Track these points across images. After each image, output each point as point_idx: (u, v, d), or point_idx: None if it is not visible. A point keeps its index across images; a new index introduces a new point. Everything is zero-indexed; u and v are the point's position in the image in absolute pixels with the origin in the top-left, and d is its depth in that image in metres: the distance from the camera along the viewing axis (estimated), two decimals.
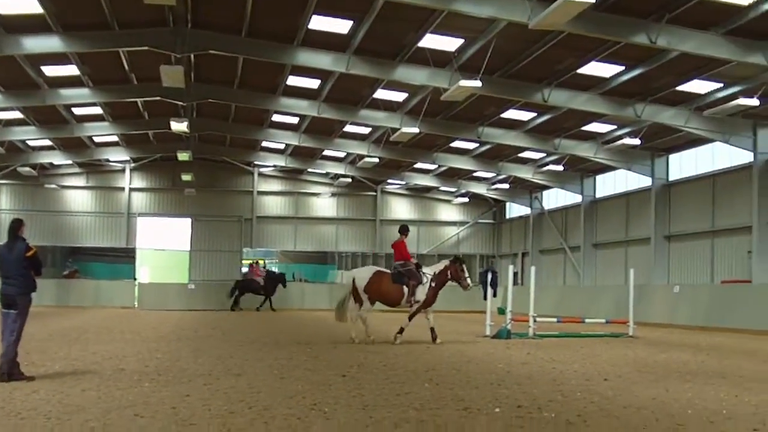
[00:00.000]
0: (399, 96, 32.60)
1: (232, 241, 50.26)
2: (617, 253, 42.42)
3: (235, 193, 52.14)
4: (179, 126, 33.64)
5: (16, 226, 11.21)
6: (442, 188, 52.26)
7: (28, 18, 24.49)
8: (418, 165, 46.86)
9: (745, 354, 16.41)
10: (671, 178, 37.67)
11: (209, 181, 50.77)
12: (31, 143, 43.40)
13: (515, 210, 54.28)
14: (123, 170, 50.55)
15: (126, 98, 34.40)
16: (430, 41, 25.27)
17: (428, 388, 10.26)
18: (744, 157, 32.20)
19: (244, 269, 46.03)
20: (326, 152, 45.68)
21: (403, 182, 51.66)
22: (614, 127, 34.66)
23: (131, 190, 50.75)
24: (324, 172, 50.94)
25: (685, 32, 22.29)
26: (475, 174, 47.87)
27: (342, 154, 46.12)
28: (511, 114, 33.81)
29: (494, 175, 46.85)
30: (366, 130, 39.32)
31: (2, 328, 10.94)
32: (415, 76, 28.14)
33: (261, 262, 43.35)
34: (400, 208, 54.64)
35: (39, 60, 28.63)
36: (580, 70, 27.02)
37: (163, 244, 51.12)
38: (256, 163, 50.55)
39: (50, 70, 30.06)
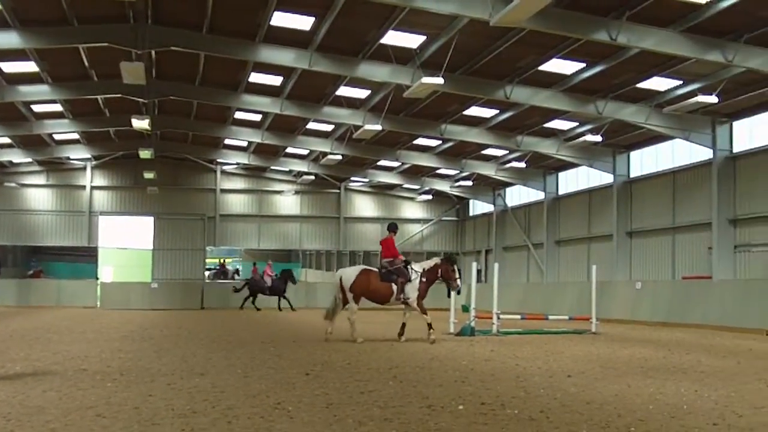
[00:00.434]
0: (362, 93, 32.59)
1: (195, 240, 50.04)
2: (580, 250, 42.72)
3: (198, 191, 51.86)
4: (141, 123, 33.39)
5: None
6: (406, 186, 52.32)
7: None
8: (382, 162, 46.89)
9: (705, 349, 16.57)
10: (632, 174, 37.98)
11: (172, 179, 50.47)
12: None
13: (478, 207, 54.48)
14: (84, 168, 50.09)
15: (86, 95, 34.08)
16: (393, 38, 25.27)
17: (392, 385, 10.25)
18: (703, 153, 32.55)
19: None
20: (289, 150, 45.55)
21: (367, 180, 51.65)
22: (576, 124, 34.89)
23: (93, 188, 50.30)
24: (287, 169, 50.81)
25: (644, 29, 22.47)
26: (438, 171, 47.97)
27: (305, 152, 46.03)
28: (474, 111, 33.92)
29: (457, 172, 47.00)
30: (329, 128, 39.27)
31: None
32: (377, 73, 28.14)
33: (228, 260, 43.15)
34: (364, 206, 54.64)
35: None
36: (542, 67, 27.16)
37: (126, 242, 50.72)
38: (218, 160, 50.30)
39: (8, 67, 29.73)
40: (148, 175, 46.98)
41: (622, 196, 38.06)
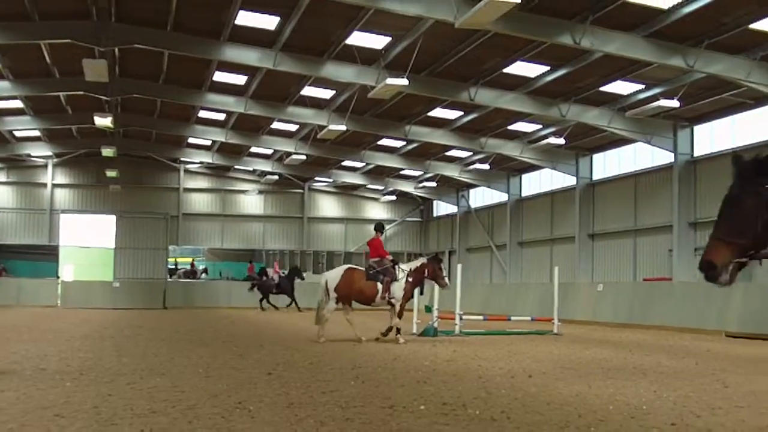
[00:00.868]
0: (326, 93, 32.58)
1: (157, 239, 49.53)
2: (542, 252, 42.97)
3: (161, 189, 51.58)
4: (103, 121, 33.14)
5: None
6: (370, 186, 52.35)
7: None
8: (346, 163, 46.88)
9: (664, 350, 16.72)
10: (595, 177, 38.28)
11: (135, 178, 50.14)
12: None
13: (442, 208, 54.63)
14: (45, 166, 49.64)
15: (48, 92, 33.80)
16: (358, 39, 25.30)
17: (354, 386, 10.25)
18: (665, 157, 32.87)
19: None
20: (253, 149, 45.43)
21: (331, 180, 51.63)
22: (539, 126, 35.10)
23: (54, 186, 49.88)
24: (251, 169, 50.67)
25: (608, 34, 22.67)
26: (402, 172, 48.05)
27: (269, 151, 45.92)
28: (438, 112, 34.02)
29: (421, 173, 47.09)
30: (293, 127, 39.22)
31: None
32: (342, 74, 28.14)
33: (181, 260, 42.87)
34: (328, 206, 54.61)
35: None
36: (506, 70, 27.31)
37: (87, 241, 50.20)
38: (182, 159, 50.07)
39: None
40: (111, 173, 46.61)
41: (585, 199, 38.34)
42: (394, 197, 53.96)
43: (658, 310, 25.46)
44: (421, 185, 50.25)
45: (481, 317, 23.92)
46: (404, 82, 25.85)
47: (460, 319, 20.79)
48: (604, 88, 28.67)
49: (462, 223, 51.24)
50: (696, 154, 31.77)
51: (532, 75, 27.88)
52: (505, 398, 9.26)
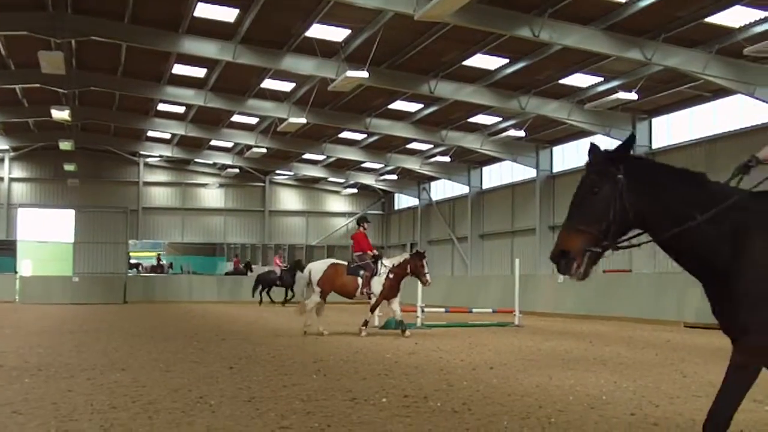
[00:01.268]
0: (286, 86, 32.48)
1: (117, 233, 49.13)
2: (504, 244, 43.17)
3: (121, 183, 51.17)
4: (60, 114, 32.78)
5: None
6: (331, 179, 52.30)
7: None
8: (307, 156, 46.78)
9: (624, 341, 16.88)
10: (555, 169, 38.52)
11: (93, 172, 49.66)
12: None
13: (404, 201, 54.69)
14: (2, 159, 49.06)
15: (3, 85, 33.36)
16: (318, 31, 25.24)
17: (316, 379, 10.25)
18: None
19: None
20: (213, 142, 45.20)
21: (292, 173, 51.50)
22: (499, 119, 35.24)
23: (11, 180, 49.30)
24: (211, 162, 50.42)
25: (566, 27, 22.80)
26: (363, 165, 48.04)
27: (230, 144, 45.70)
28: (399, 105, 34.04)
29: (382, 166, 47.10)
30: (254, 120, 39.06)
31: None
32: (302, 66, 28.08)
33: (142, 254, 42.58)
34: (289, 199, 54.49)
35: None
36: (466, 62, 27.37)
37: (46, 236, 49.73)
38: (141, 153, 49.68)
39: None
40: (69, 167, 46.15)
41: (545, 191, 38.57)
42: (355, 190, 53.95)
43: (618, 301, 25.69)
44: (382, 178, 50.26)
45: (442, 309, 24.01)
46: (364, 74, 25.83)
47: (422, 311, 20.84)
48: (563, 81, 28.83)
49: (423, 215, 51.34)
50: (654, 146, 32.07)
51: (492, 68, 27.97)
52: (466, 390, 9.31)
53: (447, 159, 41.62)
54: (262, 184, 53.40)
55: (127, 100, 37.27)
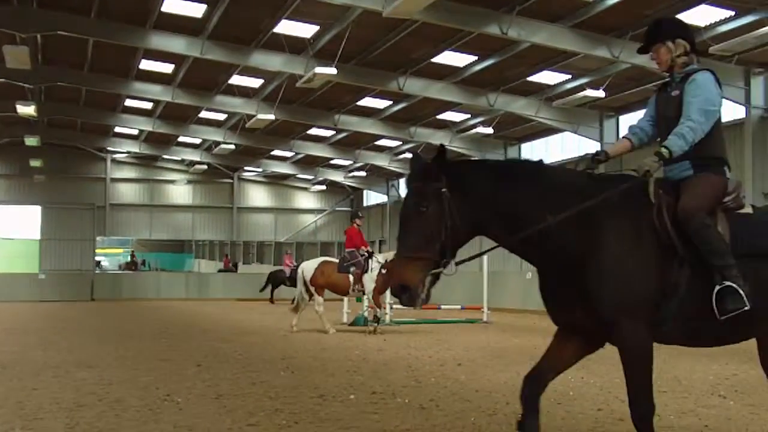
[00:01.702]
0: (255, 82, 32.36)
1: (84, 230, 48.74)
2: (472, 241, 43.14)
3: (88, 179, 50.74)
4: (26, 109, 32.46)
5: None
6: (300, 176, 52.19)
7: None
8: (275, 152, 46.64)
9: None
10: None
11: (60, 168, 49.22)
12: None
13: (372, 198, 54.67)
14: None
15: None
16: (286, 27, 25.15)
17: (284, 376, 10.25)
18: (591, 146, 33.30)
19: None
20: (181, 138, 44.93)
21: (260, 169, 51.33)
22: (468, 116, 35.32)
23: None
24: (179, 158, 50.13)
25: (535, 24, 22.88)
26: (332, 162, 47.97)
27: (198, 141, 45.48)
28: (367, 102, 34.02)
29: (351, 162, 47.07)
30: (222, 117, 38.88)
31: None
32: (270, 63, 27.98)
33: (109, 250, 42.30)
34: (258, 196, 54.33)
35: None
36: (435, 59, 27.39)
37: (12, 232, 49.25)
38: (109, 149, 49.27)
39: None
40: (35, 163, 45.72)
41: None
42: (324, 187, 53.84)
43: None
44: (351, 175, 50.21)
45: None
46: (333, 71, 25.79)
47: (391, 308, 20.88)
48: (531, 78, 28.93)
49: (392, 212, 51.29)
50: None
51: (461, 65, 28.01)
52: (434, 386, 9.35)
53: None
54: (230, 180, 53.19)
55: (94, 96, 36.94)
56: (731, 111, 26.88)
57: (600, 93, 27.51)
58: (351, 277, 18.15)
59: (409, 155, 41.26)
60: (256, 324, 19.74)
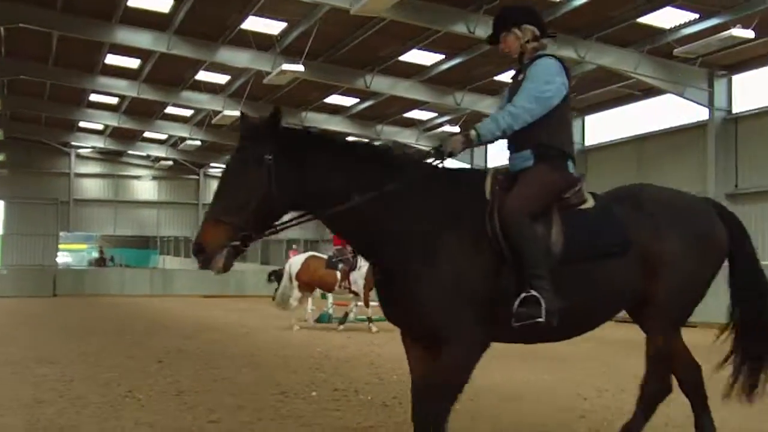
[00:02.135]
0: (222, 78, 32.25)
1: (48, 225, 48.29)
2: None
3: (52, 174, 50.26)
4: None
5: None
6: None
7: None
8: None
9: None
10: (490, 165, 38.80)
11: (23, 162, 48.69)
12: None
13: None
14: None
15: None
16: (253, 23, 25.07)
17: (246, 373, 10.23)
18: None
19: None
20: (147, 134, 44.66)
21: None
22: (435, 114, 35.42)
23: None
24: (145, 154, 49.81)
25: None
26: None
27: (163, 137, 45.20)
28: (335, 99, 34.02)
29: None
30: (188, 112, 38.69)
31: None
32: (237, 59, 27.88)
33: (74, 246, 41.93)
34: None
35: None
36: (402, 58, 27.43)
37: None
38: (73, 144, 48.85)
39: None
40: None
41: None
42: None
43: None
44: None
45: (375, 303, 24.03)
46: (300, 68, 25.76)
47: (355, 305, 20.87)
48: (498, 78, 29.03)
49: None
50: (587, 143, 32.49)
51: (428, 63, 28.06)
52: (397, 384, 9.37)
53: None
54: (196, 176, 52.94)
55: (58, 90, 36.59)
56: (695, 113, 27.18)
57: None
58: (338, 274, 18.12)
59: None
60: (220, 321, 19.66)
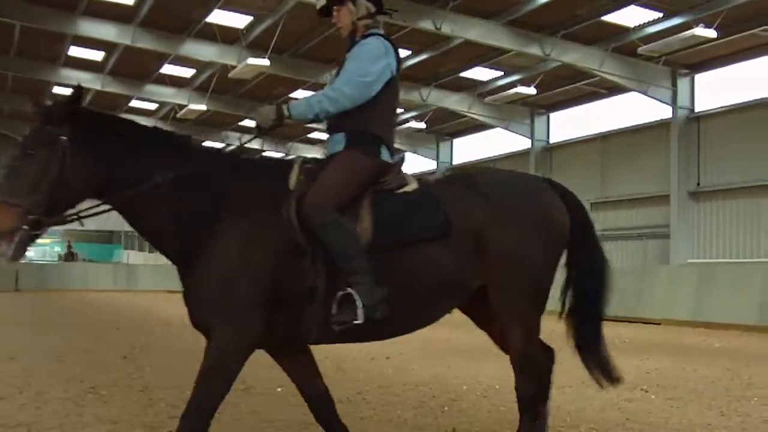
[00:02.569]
0: (187, 72, 32.07)
1: None
2: None
3: None
4: None
5: None
6: None
7: None
8: (207, 143, 46.21)
9: None
10: (455, 162, 38.89)
11: None
12: None
13: None
14: None
15: None
16: (219, 17, 24.97)
17: None
18: (522, 143, 33.69)
19: None
20: None
21: None
22: (401, 110, 35.42)
23: None
24: None
25: (468, 21, 23.05)
26: (265, 154, 47.68)
27: None
28: (301, 94, 33.87)
29: (284, 155, 46.86)
30: (153, 106, 38.45)
31: None
32: (203, 52, 27.74)
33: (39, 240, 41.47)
34: None
35: None
36: None
37: None
38: None
39: None
40: None
41: None
42: None
43: None
44: None
45: None
46: (266, 62, 25.68)
47: None
48: (464, 74, 29.15)
49: None
50: (552, 140, 32.67)
51: None
52: (362, 380, 9.37)
53: None
54: None
55: (20, 82, 36.19)
56: (658, 111, 27.41)
57: (531, 90, 27.83)
58: None
59: None
60: (185, 316, 19.52)
